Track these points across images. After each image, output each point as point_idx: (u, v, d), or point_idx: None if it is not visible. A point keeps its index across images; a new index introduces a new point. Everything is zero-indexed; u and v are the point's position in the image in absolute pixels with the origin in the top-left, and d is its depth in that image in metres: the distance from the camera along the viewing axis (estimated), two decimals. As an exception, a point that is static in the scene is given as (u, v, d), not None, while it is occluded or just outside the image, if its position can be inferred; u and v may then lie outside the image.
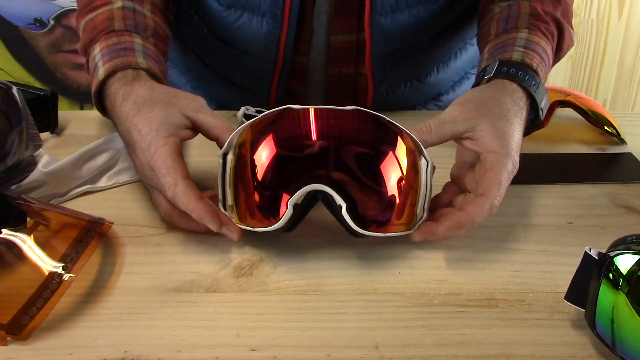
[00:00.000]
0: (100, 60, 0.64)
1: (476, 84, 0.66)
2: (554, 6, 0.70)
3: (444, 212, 0.56)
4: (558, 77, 1.95)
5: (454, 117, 0.57)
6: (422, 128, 0.56)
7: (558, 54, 0.71)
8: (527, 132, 0.63)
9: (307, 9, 0.75)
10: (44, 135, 0.72)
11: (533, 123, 0.64)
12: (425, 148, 0.55)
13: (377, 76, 0.79)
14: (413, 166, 0.54)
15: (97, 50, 0.65)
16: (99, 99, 0.65)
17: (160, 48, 0.68)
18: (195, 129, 0.59)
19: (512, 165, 0.56)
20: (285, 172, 0.54)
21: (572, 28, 0.73)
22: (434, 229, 0.54)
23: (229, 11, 0.76)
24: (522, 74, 0.62)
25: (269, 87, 0.81)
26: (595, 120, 0.74)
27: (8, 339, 0.45)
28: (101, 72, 0.62)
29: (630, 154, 0.74)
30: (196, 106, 0.59)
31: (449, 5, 0.77)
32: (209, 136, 0.59)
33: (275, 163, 0.54)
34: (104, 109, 0.65)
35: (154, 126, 0.55)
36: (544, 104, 0.64)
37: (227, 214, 0.55)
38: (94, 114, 0.82)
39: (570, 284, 0.48)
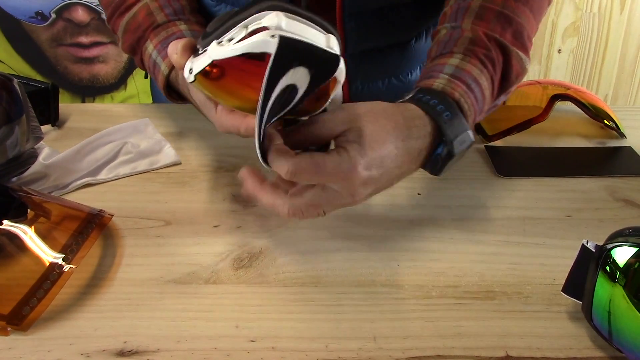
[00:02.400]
0: (157, 56, 0.66)
1: None
2: (502, 29, 0.62)
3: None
4: (559, 72, 1.95)
5: (336, 115, 0.51)
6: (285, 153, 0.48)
7: (505, 83, 0.62)
8: (435, 168, 0.55)
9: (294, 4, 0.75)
10: (45, 127, 0.72)
11: (447, 159, 0.55)
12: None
13: (351, 72, 0.79)
14: None
15: (150, 47, 0.68)
16: (169, 91, 0.67)
17: (200, 22, 0.71)
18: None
19: (347, 169, 0.48)
20: None
21: (526, 52, 0.64)
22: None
23: (220, 6, 0.77)
24: (434, 102, 0.54)
25: None
26: (595, 114, 0.75)
27: (9, 329, 0.46)
28: (164, 68, 0.65)
29: (629, 147, 0.74)
30: None
31: (425, 5, 0.77)
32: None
33: None
34: (178, 97, 0.67)
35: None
36: (459, 140, 0.54)
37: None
38: (94, 106, 0.82)
39: (567, 277, 0.49)
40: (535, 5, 0.65)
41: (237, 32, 0.46)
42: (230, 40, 0.46)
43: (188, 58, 0.51)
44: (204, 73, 0.49)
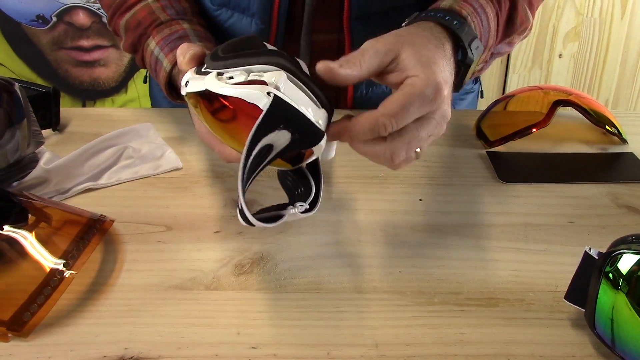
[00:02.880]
0: (160, 53, 0.67)
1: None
2: None
3: None
4: (560, 76, 1.95)
5: (376, 47, 0.50)
6: (351, 61, 0.49)
7: (510, 26, 0.64)
8: (460, 71, 0.56)
9: (296, 9, 0.75)
10: (46, 132, 0.72)
11: (464, 62, 0.57)
12: (355, 82, 0.51)
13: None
14: None
15: (152, 44, 0.68)
16: (169, 89, 0.68)
17: (202, 24, 0.72)
18: None
19: (432, 92, 0.48)
20: None
21: (529, 9, 0.66)
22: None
23: (220, 10, 0.77)
24: (441, 15, 0.56)
25: None
26: (597, 119, 0.74)
27: (9, 335, 0.46)
28: (166, 64, 0.66)
29: (631, 153, 0.74)
30: None
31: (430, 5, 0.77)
32: None
33: None
34: (177, 96, 0.68)
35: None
36: (474, 45, 0.56)
37: None
38: (95, 111, 0.82)
39: (570, 284, 0.48)
40: None
41: (239, 74, 0.47)
42: (230, 78, 0.47)
43: (193, 67, 0.52)
44: (195, 99, 0.51)
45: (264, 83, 0.45)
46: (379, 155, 0.49)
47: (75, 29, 1.86)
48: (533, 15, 0.67)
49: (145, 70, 0.97)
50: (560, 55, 1.92)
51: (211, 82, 0.48)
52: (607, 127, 0.75)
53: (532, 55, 1.91)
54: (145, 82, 0.98)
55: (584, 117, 0.75)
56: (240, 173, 0.44)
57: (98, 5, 1.83)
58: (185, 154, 0.70)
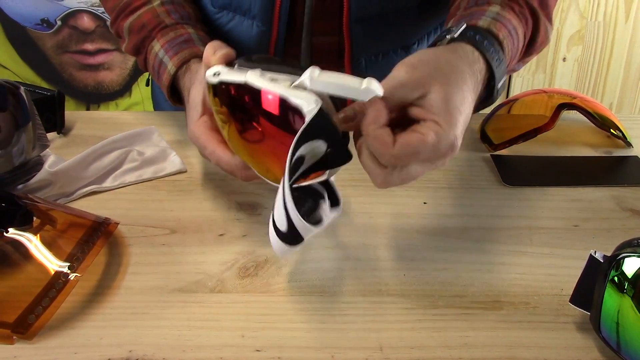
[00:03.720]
0: (164, 55, 0.67)
1: (434, 42, 0.57)
2: None
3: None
4: (564, 80, 1.94)
5: (404, 82, 0.48)
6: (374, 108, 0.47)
7: (531, 47, 0.64)
8: (475, 110, 0.54)
9: (297, 11, 0.75)
10: (51, 135, 0.72)
11: (483, 102, 0.57)
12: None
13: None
14: None
15: (157, 47, 0.68)
16: (171, 92, 0.68)
17: (205, 31, 0.72)
18: None
19: (447, 147, 0.47)
20: None
21: (549, 23, 0.65)
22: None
23: (221, 13, 0.77)
24: (487, 44, 0.54)
25: None
26: (602, 123, 0.74)
27: (14, 337, 0.46)
28: (170, 67, 0.66)
29: (636, 157, 0.74)
30: None
31: (429, 10, 0.77)
32: None
33: None
34: (178, 100, 0.69)
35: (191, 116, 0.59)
36: (500, 85, 0.56)
37: None
38: (100, 114, 0.82)
39: (575, 287, 0.48)
40: None
41: (283, 79, 0.48)
42: (272, 80, 0.48)
43: (221, 64, 0.53)
44: (226, 92, 0.52)
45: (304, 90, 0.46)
46: (372, 174, 0.48)
47: (79, 33, 1.86)
48: (552, 19, 0.67)
49: (148, 73, 0.98)
50: (564, 59, 1.92)
51: (254, 78, 0.48)
52: (611, 130, 0.75)
53: (536, 59, 1.91)
54: (147, 85, 0.99)
55: (588, 121, 0.75)
56: (284, 186, 0.44)
57: (102, 9, 1.83)
58: (189, 157, 0.70)
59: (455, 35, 0.55)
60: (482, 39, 0.54)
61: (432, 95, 0.48)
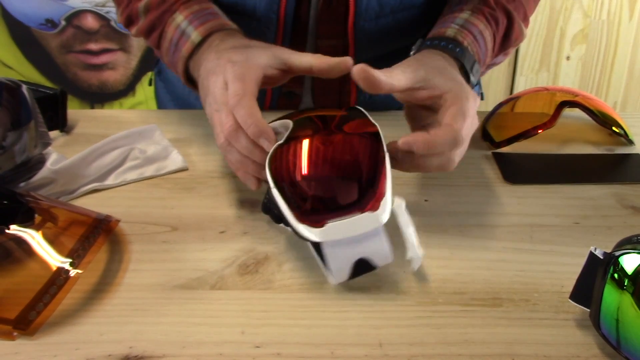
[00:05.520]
0: (188, 26, 0.65)
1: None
2: (506, 2, 0.71)
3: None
4: (568, 79, 1.94)
5: (404, 70, 0.56)
6: (390, 71, 0.55)
7: (505, 42, 0.72)
8: None
9: (301, 13, 0.75)
10: (53, 133, 0.72)
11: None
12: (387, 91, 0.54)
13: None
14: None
15: (180, 18, 0.66)
16: (186, 68, 0.66)
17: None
18: (288, 71, 0.59)
19: (473, 99, 0.56)
20: None
21: (524, 23, 0.73)
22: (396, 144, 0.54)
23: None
24: (444, 44, 0.63)
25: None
26: (603, 120, 0.74)
27: (15, 334, 0.46)
28: (195, 36, 0.64)
29: (637, 154, 0.73)
30: (289, 50, 0.60)
31: (432, 11, 0.77)
32: (304, 70, 0.59)
33: None
34: (188, 80, 0.67)
35: (245, 57, 0.57)
36: (474, 70, 0.64)
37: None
38: (102, 112, 0.83)
39: (575, 284, 0.48)
40: None
41: None
42: None
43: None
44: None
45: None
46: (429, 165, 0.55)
47: (83, 33, 1.87)
48: (527, 26, 0.75)
49: (151, 72, 0.98)
50: (568, 58, 1.92)
51: None
52: (613, 128, 0.75)
53: (539, 58, 1.90)
54: (150, 84, 0.98)
55: (590, 118, 0.74)
56: None
57: (106, 9, 1.84)
58: (190, 155, 0.70)
59: (422, 45, 0.64)
60: (438, 42, 0.64)
61: (429, 76, 0.56)
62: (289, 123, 0.55)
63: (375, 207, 0.50)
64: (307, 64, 0.59)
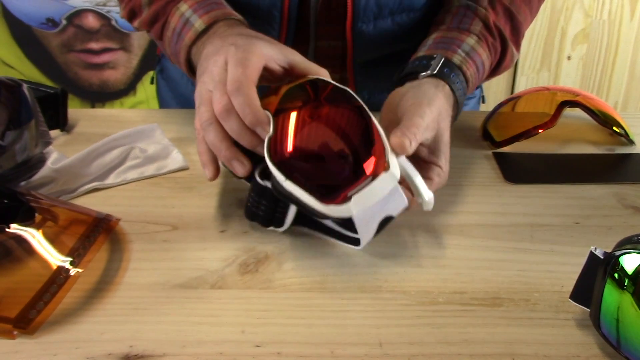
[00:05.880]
0: (192, 15, 0.65)
1: (414, 67, 0.66)
2: (504, 22, 0.71)
3: None
4: (569, 79, 1.94)
5: (428, 124, 0.57)
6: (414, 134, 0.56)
7: (495, 71, 0.73)
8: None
9: (304, 12, 0.75)
10: (54, 132, 0.72)
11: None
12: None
13: (359, 81, 0.80)
14: None
15: (184, 7, 0.66)
16: (188, 56, 0.66)
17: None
18: (289, 70, 0.59)
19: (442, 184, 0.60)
20: None
21: (516, 49, 0.74)
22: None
23: None
24: (458, 83, 0.64)
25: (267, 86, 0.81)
26: (604, 120, 0.74)
27: (15, 332, 0.46)
28: (199, 24, 0.64)
29: (638, 154, 0.73)
30: (293, 50, 0.59)
31: (431, 13, 0.77)
32: (302, 74, 0.59)
33: None
34: (189, 69, 0.67)
35: (250, 42, 0.56)
36: (460, 107, 0.67)
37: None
38: (103, 112, 0.83)
39: (575, 284, 0.48)
40: (534, 5, 0.75)
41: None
42: None
43: None
44: None
45: None
46: None
47: (84, 32, 1.87)
48: (521, 43, 0.75)
49: (153, 72, 0.98)
50: (569, 57, 1.92)
51: None
52: (614, 128, 0.75)
53: (540, 58, 1.90)
54: (152, 83, 0.98)
55: (591, 118, 0.74)
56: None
57: (107, 8, 1.84)
58: (191, 154, 0.70)
59: (435, 72, 0.64)
60: (455, 77, 0.64)
61: (440, 139, 0.59)
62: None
63: (384, 166, 0.51)
64: (308, 65, 0.58)
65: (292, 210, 0.54)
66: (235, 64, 0.54)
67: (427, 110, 0.58)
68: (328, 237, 0.57)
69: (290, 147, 0.52)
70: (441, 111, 0.60)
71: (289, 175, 0.50)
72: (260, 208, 0.55)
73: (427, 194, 0.54)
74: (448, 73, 0.64)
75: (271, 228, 0.57)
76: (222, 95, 0.53)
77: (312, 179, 0.52)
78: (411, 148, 0.54)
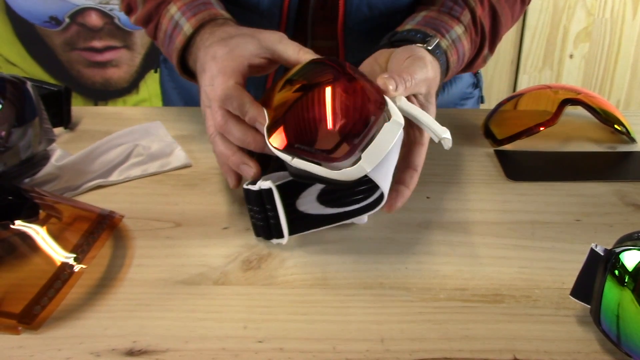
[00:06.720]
0: (181, 17, 0.66)
1: (409, 36, 0.65)
2: (488, 19, 0.71)
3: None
4: (571, 77, 1.94)
5: (425, 78, 0.57)
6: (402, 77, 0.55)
7: (467, 67, 0.72)
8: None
9: (303, 11, 0.76)
10: (58, 130, 0.73)
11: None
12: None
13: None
14: None
15: (173, 9, 0.67)
16: (181, 60, 0.67)
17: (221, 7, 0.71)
18: (274, 60, 0.60)
19: None
20: None
21: (492, 51, 0.74)
22: None
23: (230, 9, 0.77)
24: (442, 66, 0.63)
25: (264, 86, 0.82)
26: (606, 118, 0.74)
27: (20, 328, 0.46)
28: (187, 28, 0.65)
29: (639, 152, 0.74)
30: (276, 38, 0.60)
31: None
32: (289, 63, 0.59)
33: None
34: (183, 71, 0.68)
35: (228, 49, 0.58)
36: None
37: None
38: (106, 109, 0.83)
39: (576, 281, 0.48)
40: (516, 9, 0.75)
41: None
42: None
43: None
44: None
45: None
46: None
47: (87, 30, 1.88)
48: (492, 54, 0.75)
49: (153, 70, 0.98)
50: (571, 56, 1.91)
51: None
52: (615, 126, 0.75)
53: (542, 56, 1.90)
54: (155, 71, 0.98)
55: (592, 116, 0.75)
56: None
57: (110, 6, 1.84)
58: (194, 152, 0.71)
59: (430, 47, 0.63)
60: (440, 56, 0.64)
61: (431, 98, 0.59)
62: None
63: (382, 114, 0.51)
64: (294, 56, 0.59)
65: (283, 216, 0.54)
66: (217, 75, 0.56)
67: (429, 66, 0.58)
68: (333, 225, 0.56)
69: (284, 123, 0.52)
70: (436, 77, 0.60)
71: (293, 153, 0.50)
72: (255, 216, 0.56)
73: (441, 132, 0.53)
74: (439, 55, 0.63)
75: (274, 240, 0.56)
76: (218, 110, 0.56)
77: (314, 145, 0.51)
78: (396, 92, 0.53)
